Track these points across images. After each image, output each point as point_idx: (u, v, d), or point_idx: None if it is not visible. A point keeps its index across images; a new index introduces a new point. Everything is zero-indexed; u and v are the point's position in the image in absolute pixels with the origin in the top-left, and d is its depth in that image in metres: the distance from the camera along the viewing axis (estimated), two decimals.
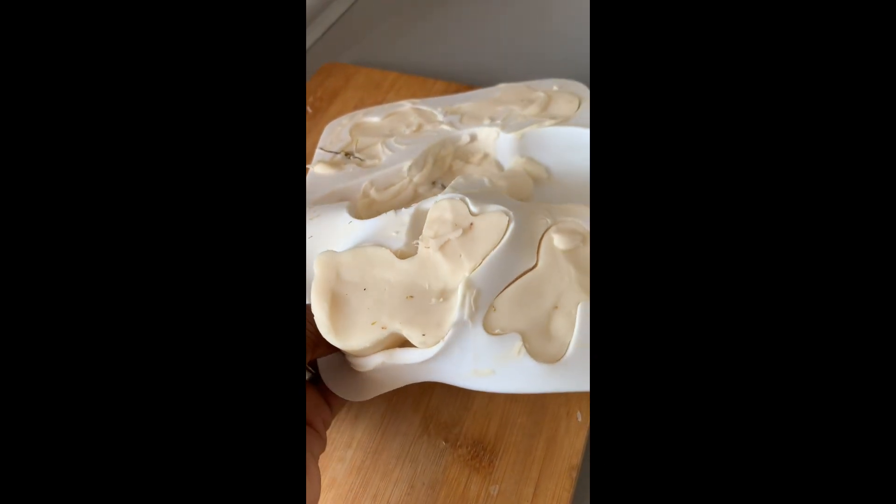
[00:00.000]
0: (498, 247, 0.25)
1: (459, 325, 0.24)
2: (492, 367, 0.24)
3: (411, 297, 0.25)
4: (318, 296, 0.25)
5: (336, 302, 0.25)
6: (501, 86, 0.41)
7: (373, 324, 0.25)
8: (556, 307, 0.25)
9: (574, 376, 0.23)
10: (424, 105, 0.41)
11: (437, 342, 0.24)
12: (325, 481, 0.31)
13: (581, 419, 0.32)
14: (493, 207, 0.26)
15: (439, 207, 0.27)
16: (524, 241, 0.26)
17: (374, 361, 0.26)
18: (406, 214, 0.28)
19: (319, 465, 0.31)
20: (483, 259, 0.25)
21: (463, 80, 0.52)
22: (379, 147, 0.38)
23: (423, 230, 0.27)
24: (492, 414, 0.32)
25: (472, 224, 0.26)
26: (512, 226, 0.26)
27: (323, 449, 0.28)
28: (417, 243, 0.27)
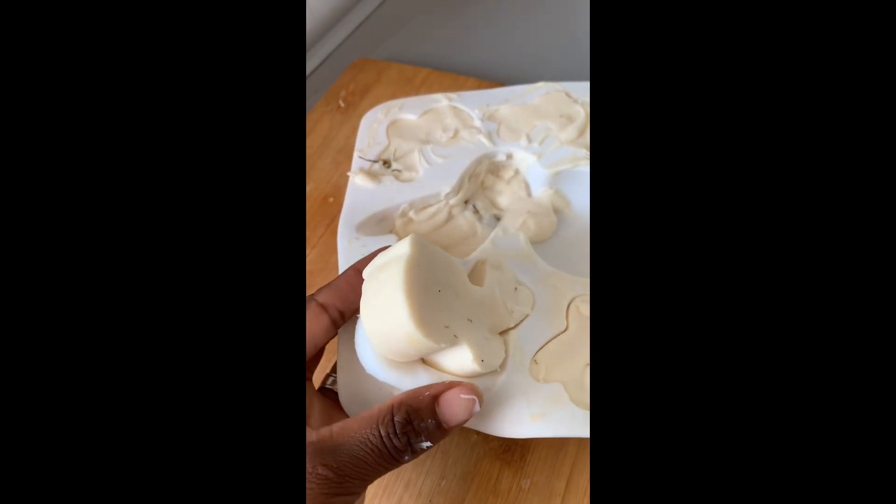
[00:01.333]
0: (530, 315, 0.29)
1: (511, 370, 0.27)
2: (543, 410, 0.26)
3: (471, 320, 0.26)
4: (411, 275, 0.24)
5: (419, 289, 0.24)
6: (540, 86, 0.41)
7: (446, 327, 0.24)
8: (587, 364, 0.28)
9: None
10: (461, 103, 0.41)
11: (490, 371, 0.26)
12: None
13: None
14: (526, 284, 0.30)
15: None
16: (553, 310, 0.29)
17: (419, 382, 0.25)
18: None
19: None
20: (521, 321, 0.29)
21: (494, 77, 0.52)
22: (416, 156, 0.39)
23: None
24: None
25: (515, 288, 0.30)
26: (537, 302, 0.30)
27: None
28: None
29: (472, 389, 0.24)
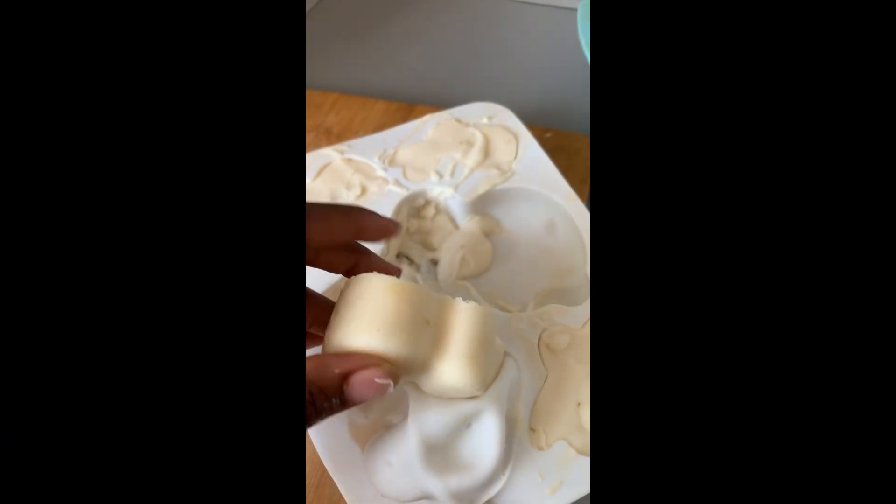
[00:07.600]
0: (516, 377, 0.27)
1: (515, 451, 0.26)
2: (559, 478, 0.26)
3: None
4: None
5: None
6: (427, 119, 0.39)
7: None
8: (578, 403, 0.27)
9: None
10: (355, 154, 0.38)
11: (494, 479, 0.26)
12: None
13: None
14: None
15: None
16: (529, 360, 0.28)
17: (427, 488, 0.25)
18: None
19: None
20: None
21: (403, 98, 0.51)
22: None
23: None
24: None
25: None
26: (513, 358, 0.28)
27: None
28: None
29: (388, 372, 0.21)
